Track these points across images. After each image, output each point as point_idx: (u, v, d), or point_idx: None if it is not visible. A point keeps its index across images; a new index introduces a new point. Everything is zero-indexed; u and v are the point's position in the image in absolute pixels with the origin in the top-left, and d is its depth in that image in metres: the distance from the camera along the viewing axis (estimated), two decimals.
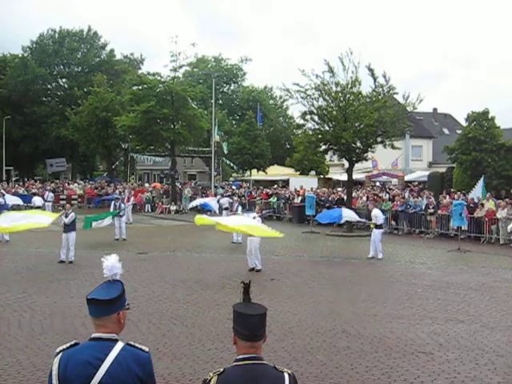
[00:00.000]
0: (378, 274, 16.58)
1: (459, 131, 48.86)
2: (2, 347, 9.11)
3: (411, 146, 54.86)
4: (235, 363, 3.13)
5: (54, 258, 17.81)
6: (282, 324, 10.32)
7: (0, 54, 69.64)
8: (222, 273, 16.29)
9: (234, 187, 45.64)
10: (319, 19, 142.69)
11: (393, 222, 27.90)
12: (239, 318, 3.13)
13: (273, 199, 36.04)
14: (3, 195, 26.81)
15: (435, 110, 72.78)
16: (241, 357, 3.13)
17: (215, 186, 42.54)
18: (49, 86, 70.49)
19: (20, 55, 67.55)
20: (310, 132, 29.04)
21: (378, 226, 19.71)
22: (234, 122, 67.90)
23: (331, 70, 26.87)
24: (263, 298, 11.82)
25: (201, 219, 16.26)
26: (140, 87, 42.63)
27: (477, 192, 28.15)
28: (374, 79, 27.01)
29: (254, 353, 3.13)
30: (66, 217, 17.93)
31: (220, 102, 66.06)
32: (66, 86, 70.80)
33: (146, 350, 3.29)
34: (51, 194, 36.76)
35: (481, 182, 28.83)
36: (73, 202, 40.35)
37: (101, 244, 21.92)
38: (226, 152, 50.29)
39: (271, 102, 76.68)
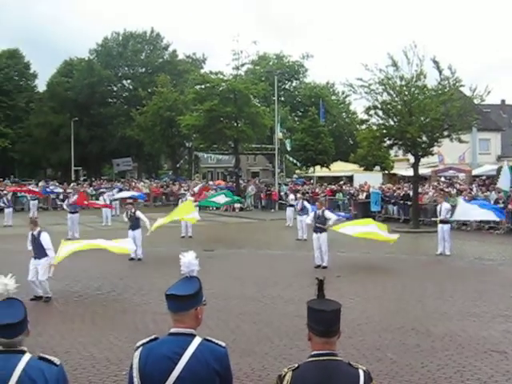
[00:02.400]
0: (447, 271, 16.26)
1: None
2: (77, 342, 9.39)
3: (478, 140, 53.27)
4: (310, 359, 3.14)
5: (123, 256, 18.17)
6: (349, 321, 10.25)
7: (67, 57, 71.72)
8: (288, 270, 16.30)
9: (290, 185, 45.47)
10: (381, 12, 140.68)
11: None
12: (314, 314, 3.15)
13: (339, 195, 35.81)
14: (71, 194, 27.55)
15: (503, 101, 70.51)
16: (315, 353, 3.14)
17: (279, 183, 42.55)
18: (114, 88, 72.08)
19: (86, 58, 69.26)
20: (374, 127, 28.71)
21: (445, 222, 19.33)
22: (296, 119, 67.63)
23: (395, 64, 26.47)
24: (329, 295, 11.73)
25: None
26: (203, 86, 43.10)
27: (504, 182, 26.68)
28: (440, 72, 26.45)
29: (329, 349, 3.13)
30: (130, 214, 18.38)
31: (282, 98, 65.87)
32: (130, 87, 72.21)
33: (223, 345, 3.35)
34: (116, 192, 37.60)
35: (506, 171, 27.16)
36: (139, 200, 41.12)
37: (167, 242, 22.25)
38: (289, 149, 50.15)
39: (333, 97, 76.03)
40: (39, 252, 12.52)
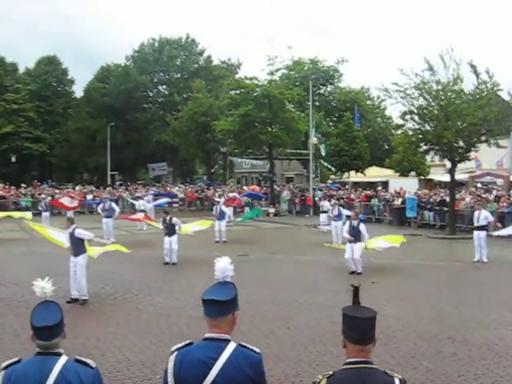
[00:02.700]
0: (484, 278, 16.00)
1: None
2: (112, 345, 9.47)
3: None
4: (345, 366, 3.11)
5: (158, 260, 18.32)
6: (384, 328, 10.14)
7: (104, 63, 72.74)
8: (322, 275, 16.24)
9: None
10: (418, 16, 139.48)
11: (498, 224, 26.78)
12: (349, 321, 3.12)
13: (374, 201, 35.53)
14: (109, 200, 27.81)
15: None
16: (350, 360, 3.11)
17: (313, 189, 42.39)
18: (150, 93, 72.80)
19: (122, 64, 70.13)
20: (410, 132, 28.43)
21: (482, 228, 19.03)
22: (331, 124, 67.35)
23: (431, 68, 26.17)
24: (364, 302, 11.63)
25: None
26: (238, 91, 43.26)
27: None
28: (477, 76, 26.07)
29: (364, 357, 3.10)
30: (167, 222, 18.50)
31: (317, 103, 65.66)
32: (166, 92, 72.82)
33: (258, 351, 3.35)
34: (152, 198, 37.76)
35: None
36: (174, 205, 41.39)
37: (202, 246, 22.34)
38: (323, 154, 50.01)
39: (369, 102, 75.59)
40: (76, 249, 12.78)
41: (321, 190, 44.12)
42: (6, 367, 3.33)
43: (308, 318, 11.15)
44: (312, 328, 10.42)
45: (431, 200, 31.31)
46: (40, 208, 31.30)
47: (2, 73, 65.44)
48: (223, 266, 3.51)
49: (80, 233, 12.89)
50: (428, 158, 43.28)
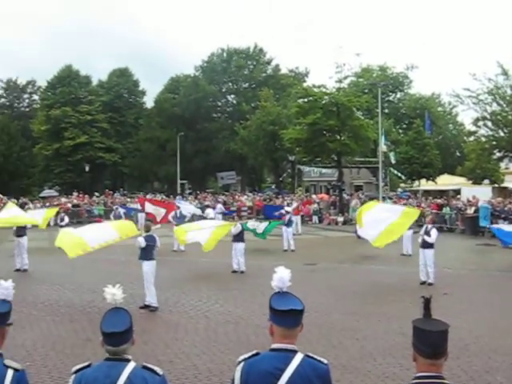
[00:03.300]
0: None
1: None
2: (181, 352, 9.56)
3: None
4: (415, 381, 3.02)
5: (226, 268, 18.42)
6: (456, 341, 9.81)
7: (174, 74, 74.12)
8: (391, 285, 15.95)
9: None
10: (490, 20, 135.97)
11: None
12: (420, 334, 3.01)
13: (445, 210, 34.67)
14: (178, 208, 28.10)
15: None
16: (421, 374, 3.01)
17: (383, 197, 41.79)
18: (218, 103, 73.64)
19: (192, 75, 71.27)
20: (483, 139, 27.79)
21: None
22: (400, 131, 66.45)
23: (505, 73, 25.46)
24: (435, 314, 11.34)
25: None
26: (305, 100, 43.17)
27: None
28: None
29: (436, 371, 2.99)
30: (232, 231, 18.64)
31: (386, 111, 64.95)
32: (234, 102, 73.53)
33: (325, 362, 3.30)
34: (220, 206, 38.09)
35: None
36: (242, 213, 41.59)
37: (269, 254, 22.34)
38: (393, 162, 49.32)
39: (440, 108, 74.19)
40: (144, 254, 13.06)
41: (390, 199, 43.44)
42: (77, 371, 3.42)
43: (376, 329, 10.95)
44: (381, 339, 10.23)
45: (506, 209, 30.31)
46: (112, 218, 31.98)
47: (77, 85, 67.74)
48: (281, 276, 3.47)
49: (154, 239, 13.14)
50: (502, 165, 41.98)
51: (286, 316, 3.29)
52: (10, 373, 3.44)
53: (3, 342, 3.66)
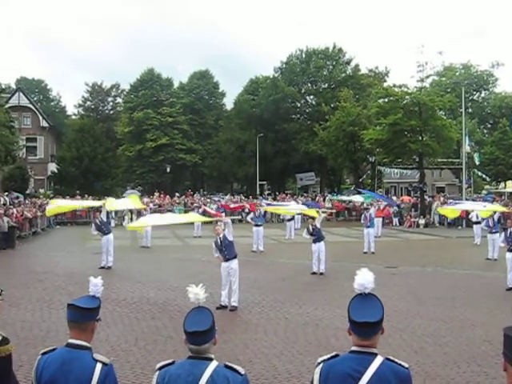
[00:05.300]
0: None
1: None
2: (260, 352, 9.58)
3: None
4: None
5: (306, 269, 18.35)
6: None
7: (253, 76, 74.67)
8: (475, 290, 15.41)
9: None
10: None
11: None
12: (511, 344, 2.86)
13: None
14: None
15: None
16: None
17: (466, 199, 40.64)
18: (297, 104, 73.45)
19: (271, 76, 71.54)
20: None
21: None
22: (485, 131, 64.65)
23: None
24: None
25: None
26: (386, 100, 42.59)
27: None
28: None
29: None
30: (313, 229, 18.43)
31: (470, 110, 63.23)
32: (313, 102, 73.14)
33: (406, 366, 3.24)
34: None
35: None
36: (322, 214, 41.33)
37: (350, 256, 22.12)
38: (477, 163, 47.97)
39: None
40: (229, 253, 13.06)
41: (474, 201, 42.21)
42: (161, 368, 3.51)
43: (460, 335, 10.62)
44: (465, 346, 9.91)
45: None
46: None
47: (158, 88, 69.44)
48: (363, 279, 3.41)
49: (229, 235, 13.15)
50: None
51: (361, 328, 3.26)
52: (98, 366, 3.57)
53: (92, 336, 3.78)
